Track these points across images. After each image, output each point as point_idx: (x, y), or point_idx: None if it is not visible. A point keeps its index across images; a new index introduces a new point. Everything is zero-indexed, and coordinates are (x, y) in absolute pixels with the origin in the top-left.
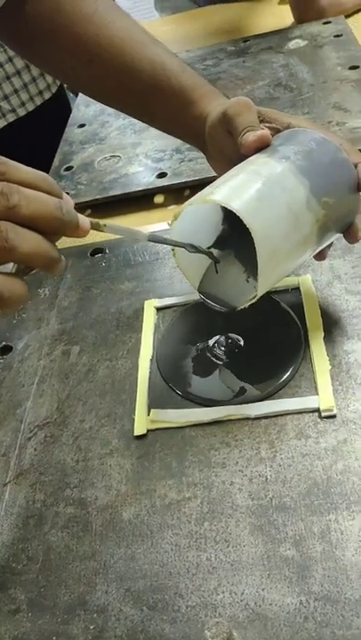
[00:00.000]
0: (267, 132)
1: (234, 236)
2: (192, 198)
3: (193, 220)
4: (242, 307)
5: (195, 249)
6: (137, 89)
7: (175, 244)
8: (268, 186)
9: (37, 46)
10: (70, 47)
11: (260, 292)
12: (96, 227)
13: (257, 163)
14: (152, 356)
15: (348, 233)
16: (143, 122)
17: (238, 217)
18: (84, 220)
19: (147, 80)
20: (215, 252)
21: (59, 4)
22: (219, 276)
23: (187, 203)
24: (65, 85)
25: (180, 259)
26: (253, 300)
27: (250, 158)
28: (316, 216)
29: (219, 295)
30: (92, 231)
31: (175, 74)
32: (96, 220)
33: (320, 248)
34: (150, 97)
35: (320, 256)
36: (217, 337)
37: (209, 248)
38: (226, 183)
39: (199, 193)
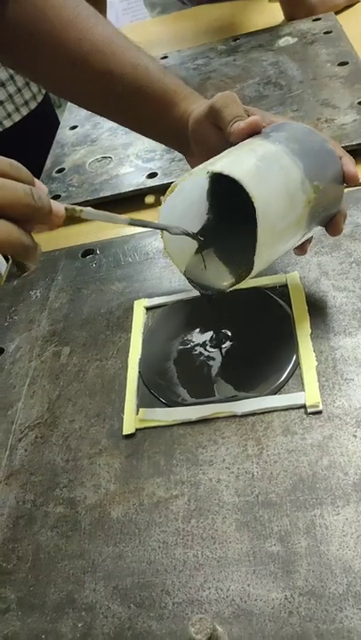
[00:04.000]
0: (258, 117)
1: (218, 228)
2: (187, 173)
3: (181, 205)
4: (231, 288)
5: (176, 231)
6: (119, 91)
7: (155, 227)
8: (265, 162)
9: (19, 52)
10: (53, 51)
11: (256, 269)
12: (72, 212)
13: (251, 143)
14: (141, 356)
15: (331, 225)
16: (124, 125)
17: (225, 204)
18: (57, 205)
19: (129, 82)
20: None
21: (40, 10)
22: (205, 262)
23: (180, 178)
24: (50, 95)
25: (167, 241)
26: (248, 278)
27: (240, 143)
28: (308, 198)
29: (205, 282)
30: (84, 231)
31: (158, 77)
32: (72, 206)
33: (305, 237)
34: (132, 98)
35: (301, 249)
36: (203, 334)
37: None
38: (223, 158)
39: (195, 168)
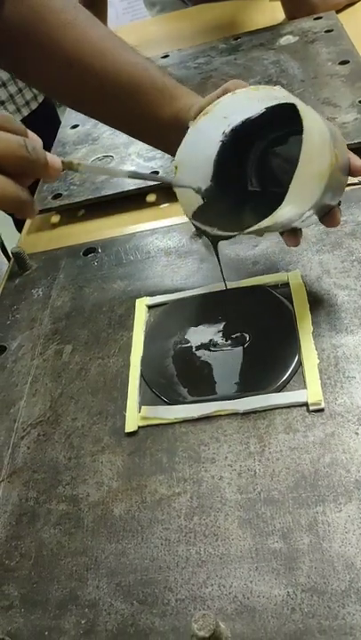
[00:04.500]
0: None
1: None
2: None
3: (194, 155)
4: (245, 232)
5: (180, 183)
6: (117, 90)
7: (156, 180)
8: (302, 107)
9: (16, 54)
10: (49, 53)
11: (286, 203)
12: (69, 166)
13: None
14: (142, 354)
15: (329, 216)
16: (120, 127)
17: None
18: (53, 158)
19: (128, 80)
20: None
21: (37, 12)
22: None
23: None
24: None
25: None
26: (274, 216)
27: None
28: (331, 160)
29: (211, 228)
30: (86, 230)
31: (158, 74)
32: (69, 160)
33: (308, 216)
34: (131, 97)
35: (294, 240)
36: (205, 333)
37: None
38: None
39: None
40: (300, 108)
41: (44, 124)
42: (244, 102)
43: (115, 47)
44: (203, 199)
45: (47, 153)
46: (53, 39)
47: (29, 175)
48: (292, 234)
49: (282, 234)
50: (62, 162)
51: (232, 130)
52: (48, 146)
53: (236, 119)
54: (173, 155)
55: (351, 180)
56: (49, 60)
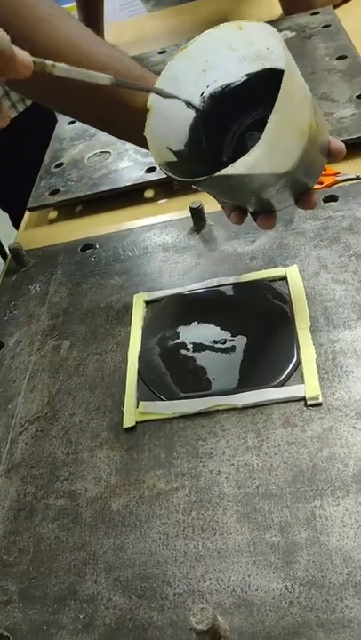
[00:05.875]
0: None
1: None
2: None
3: (170, 116)
4: (222, 172)
5: (168, 94)
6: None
7: (143, 89)
8: (287, 57)
9: None
10: (24, 48)
11: (261, 146)
12: (42, 67)
13: None
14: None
15: (305, 198)
16: (95, 123)
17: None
18: (23, 54)
19: (104, 70)
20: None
21: (12, 9)
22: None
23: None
24: None
25: (150, 122)
26: (247, 158)
27: None
28: (310, 123)
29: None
30: (84, 225)
31: (134, 66)
32: (42, 60)
33: (287, 192)
34: (107, 88)
35: (269, 222)
36: (202, 328)
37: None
38: None
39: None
40: (285, 56)
41: (40, 119)
42: (226, 53)
43: (89, 41)
44: (195, 111)
45: (16, 47)
46: (27, 35)
47: None
48: (266, 215)
49: (256, 218)
50: (34, 62)
51: (210, 96)
52: (45, 141)
53: (215, 79)
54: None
55: (350, 175)
56: None
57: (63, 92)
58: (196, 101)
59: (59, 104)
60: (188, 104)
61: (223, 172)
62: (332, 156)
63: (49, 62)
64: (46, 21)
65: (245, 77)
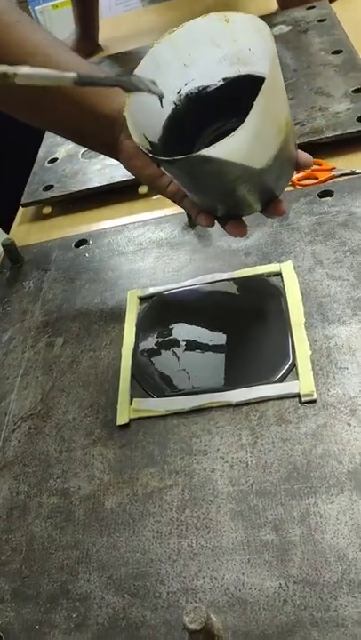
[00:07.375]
0: None
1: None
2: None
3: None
4: (201, 153)
5: (132, 87)
6: (62, 90)
7: (107, 84)
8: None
9: None
10: None
11: (243, 130)
12: (3, 78)
13: None
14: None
15: (274, 206)
16: (64, 130)
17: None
18: None
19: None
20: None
21: None
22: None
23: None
24: None
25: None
26: (230, 140)
27: None
28: (287, 120)
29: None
30: (77, 222)
31: (104, 72)
32: (2, 68)
33: (255, 195)
34: (75, 91)
35: (239, 230)
36: (195, 324)
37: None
38: None
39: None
40: (271, 48)
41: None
42: (208, 50)
43: (60, 49)
44: (160, 102)
45: None
46: None
47: None
48: (236, 222)
49: (225, 226)
50: None
51: (187, 95)
52: (37, 139)
53: (193, 78)
54: (117, 158)
55: (345, 170)
56: None
57: (33, 103)
58: (172, 97)
59: (33, 119)
60: (151, 92)
61: (204, 151)
62: (300, 167)
63: (11, 71)
64: (14, 28)
65: (222, 82)
